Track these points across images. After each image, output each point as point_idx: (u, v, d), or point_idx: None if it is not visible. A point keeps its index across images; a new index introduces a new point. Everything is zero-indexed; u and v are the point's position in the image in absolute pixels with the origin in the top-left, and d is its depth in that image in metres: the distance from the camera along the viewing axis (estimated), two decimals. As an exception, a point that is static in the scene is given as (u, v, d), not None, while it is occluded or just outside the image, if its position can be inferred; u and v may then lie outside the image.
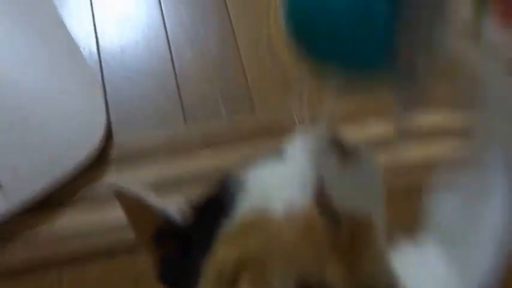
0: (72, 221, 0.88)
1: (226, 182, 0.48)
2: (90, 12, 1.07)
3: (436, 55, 0.43)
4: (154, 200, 0.49)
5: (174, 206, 0.50)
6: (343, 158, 0.47)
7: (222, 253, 0.45)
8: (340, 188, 0.46)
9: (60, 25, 1.02)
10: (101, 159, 0.93)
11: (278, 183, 0.47)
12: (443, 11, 0.43)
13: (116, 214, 0.88)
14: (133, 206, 0.50)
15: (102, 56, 1.02)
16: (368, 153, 0.50)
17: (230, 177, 0.48)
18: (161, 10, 1.07)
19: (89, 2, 1.08)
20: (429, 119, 0.95)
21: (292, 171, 0.47)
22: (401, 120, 0.46)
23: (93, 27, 1.05)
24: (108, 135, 0.94)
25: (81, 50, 1.01)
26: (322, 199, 0.45)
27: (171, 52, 1.03)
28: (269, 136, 0.96)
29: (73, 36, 1.02)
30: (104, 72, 1.00)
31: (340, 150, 0.48)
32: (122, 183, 0.49)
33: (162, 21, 1.06)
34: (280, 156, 0.48)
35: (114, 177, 0.92)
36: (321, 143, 0.48)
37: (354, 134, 0.98)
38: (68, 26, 1.03)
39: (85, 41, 1.03)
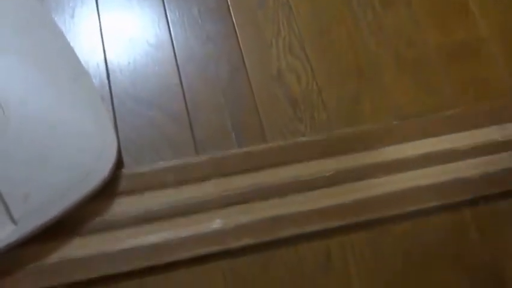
0: (81, 250, 0.88)
1: None
2: (100, 37, 1.08)
3: None
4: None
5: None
6: None
7: None
8: None
9: (70, 55, 1.02)
10: (110, 189, 0.93)
11: None
12: None
13: (124, 243, 0.90)
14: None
15: (112, 87, 1.02)
16: None
17: None
18: (171, 38, 1.08)
19: (98, 28, 1.08)
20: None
21: None
22: None
23: (103, 55, 1.05)
24: (119, 164, 0.94)
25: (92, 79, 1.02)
26: None
27: (181, 80, 1.03)
28: (280, 164, 0.97)
29: (84, 65, 1.03)
30: (115, 102, 1.01)
31: None
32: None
33: (172, 51, 1.07)
34: None
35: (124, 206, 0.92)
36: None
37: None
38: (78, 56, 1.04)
39: (95, 70, 1.04)
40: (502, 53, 1.09)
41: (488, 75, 1.07)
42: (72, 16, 1.09)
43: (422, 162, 0.98)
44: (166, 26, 1.09)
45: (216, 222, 0.91)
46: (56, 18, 1.07)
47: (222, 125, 1.00)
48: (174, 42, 1.08)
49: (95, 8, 1.10)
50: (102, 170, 0.92)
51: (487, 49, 1.09)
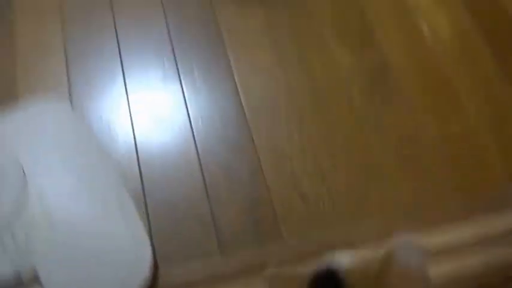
0: None
1: None
2: (135, 150, 1.21)
3: None
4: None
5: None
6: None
7: None
8: None
9: (111, 175, 1.17)
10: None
11: None
12: None
13: None
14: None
15: (146, 193, 1.16)
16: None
17: None
18: (196, 146, 1.21)
19: (133, 142, 1.22)
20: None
21: None
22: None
23: (138, 168, 1.19)
24: (155, 271, 1.07)
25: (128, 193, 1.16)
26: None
27: (205, 184, 1.16)
28: (299, 262, 1.08)
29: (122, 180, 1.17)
30: (148, 210, 1.14)
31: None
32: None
33: (197, 157, 1.20)
34: None
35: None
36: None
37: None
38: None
39: (131, 181, 1.17)
40: (494, 141, 1.20)
41: (483, 164, 1.17)
42: (109, 129, 1.24)
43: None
44: (191, 133, 1.23)
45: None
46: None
47: (243, 226, 1.12)
48: (198, 148, 1.21)
49: (130, 124, 1.25)
50: (141, 272, 1.04)
51: (481, 139, 1.20)
